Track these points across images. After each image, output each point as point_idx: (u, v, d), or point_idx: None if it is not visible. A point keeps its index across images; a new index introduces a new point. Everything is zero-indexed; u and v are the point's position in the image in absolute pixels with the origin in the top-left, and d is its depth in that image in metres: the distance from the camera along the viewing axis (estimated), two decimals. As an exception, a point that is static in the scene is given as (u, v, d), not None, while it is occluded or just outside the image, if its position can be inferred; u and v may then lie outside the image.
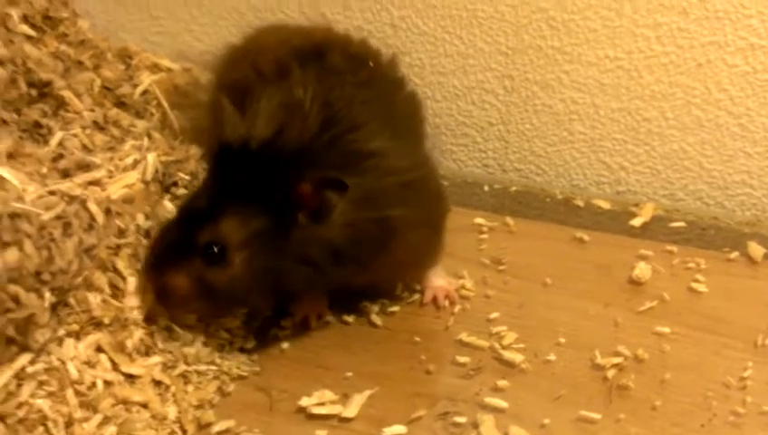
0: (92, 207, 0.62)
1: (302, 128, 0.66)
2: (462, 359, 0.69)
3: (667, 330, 0.72)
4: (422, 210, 0.70)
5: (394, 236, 0.68)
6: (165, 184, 0.75)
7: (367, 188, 0.66)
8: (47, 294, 0.58)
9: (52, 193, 0.63)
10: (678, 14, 0.86)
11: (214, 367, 0.67)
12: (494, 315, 0.74)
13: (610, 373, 0.67)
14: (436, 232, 0.75)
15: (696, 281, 0.78)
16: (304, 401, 0.64)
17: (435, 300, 0.76)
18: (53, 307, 0.59)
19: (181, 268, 0.64)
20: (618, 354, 0.69)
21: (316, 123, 0.66)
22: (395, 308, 0.76)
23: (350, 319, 0.75)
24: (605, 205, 0.93)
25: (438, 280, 0.77)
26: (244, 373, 0.68)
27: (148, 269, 0.66)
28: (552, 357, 0.69)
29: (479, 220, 0.88)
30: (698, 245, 0.85)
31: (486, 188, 0.97)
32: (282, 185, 0.63)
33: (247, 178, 0.64)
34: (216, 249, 0.64)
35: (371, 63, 0.80)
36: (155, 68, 1.01)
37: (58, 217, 0.59)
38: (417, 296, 0.77)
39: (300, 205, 0.64)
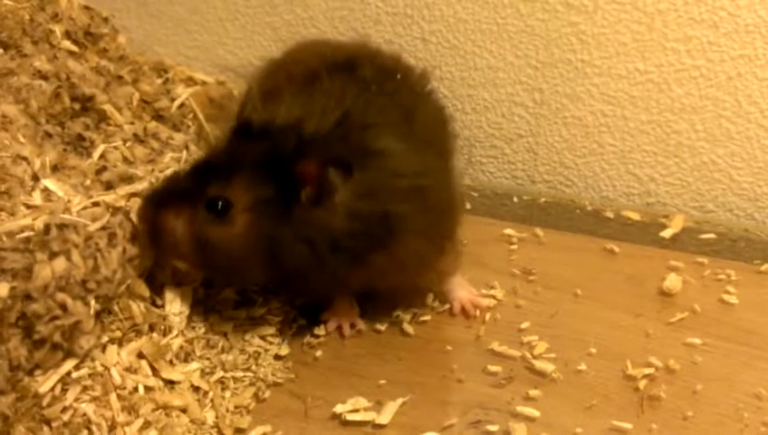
0: (135, 218, 0.64)
1: (318, 122, 0.67)
2: (493, 368, 0.70)
3: (698, 341, 0.72)
4: (428, 217, 0.70)
5: (393, 236, 0.68)
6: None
7: (371, 184, 0.66)
8: (92, 302, 0.60)
9: (96, 204, 0.65)
10: (709, 27, 0.86)
11: (250, 374, 0.69)
12: (524, 325, 0.75)
13: (642, 384, 0.67)
14: (443, 242, 0.74)
15: (727, 293, 0.78)
16: (339, 408, 0.65)
17: (463, 311, 0.77)
18: (98, 315, 0.61)
19: (182, 212, 0.65)
20: (649, 365, 0.69)
21: (332, 119, 0.68)
22: (427, 317, 0.77)
23: (382, 328, 0.76)
24: (635, 216, 0.93)
25: (462, 291, 0.78)
26: (280, 380, 0.69)
27: (146, 205, 0.66)
28: (583, 367, 0.70)
29: (509, 231, 0.89)
30: (729, 256, 0.85)
31: (516, 199, 0.98)
32: (290, 161, 0.65)
33: (261, 152, 0.66)
34: (220, 205, 0.65)
35: (399, 76, 0.81)
36: (190, 81, 1.04)
37: (103, 228, 0.61)
38: (448, 305, 0.78)
39: (303, 182, 0.65)
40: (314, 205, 0.65)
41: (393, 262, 0.69)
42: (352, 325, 0.75)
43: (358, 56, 0.82)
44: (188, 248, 0.66)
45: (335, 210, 0.65)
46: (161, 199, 0.66)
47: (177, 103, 0.94)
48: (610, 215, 0.94)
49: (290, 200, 0.65)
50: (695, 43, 0.87)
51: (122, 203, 0.65)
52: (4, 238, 0.57)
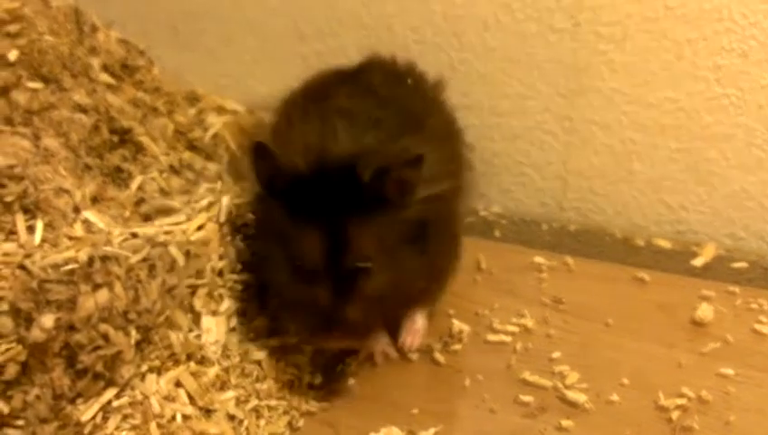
0: (173, 249, 0.65)
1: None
2: (525, 398, 0.70)
3: (731, 372, 0.72)
4: (441, 227, 0.72)
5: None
6: (236, 225, 0.79)
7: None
8: (133, 332, 0.61)
9: (135, 235, 0.66)
10: (738, 56, 0.86)
11: (284, 402, 0.70)
12: (556, 355, 0.75)
13: (674, 415, 0.67)
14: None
15: (760, 322, 0.78)
16: (372, 438, 0.66)
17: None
18: (138, 344, 0.63)
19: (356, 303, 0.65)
20: (681, 396, 0.69)
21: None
22: (457, 347, 0.77)
23: (413, 356, 0.76)
24: (665, 244, 0.93)
25: (420, 322, 0.77)
26: (313, 409, 0.70)
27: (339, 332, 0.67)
28: (616, 398, 0.70)
29: (538, 259, 0.89)
30: (761, 285, 0.84)
31: (545, 226, 0.98)
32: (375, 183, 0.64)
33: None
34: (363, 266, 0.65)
35: (410, 81, 0.82)
36: (221, 110, 1.05)
37: (144, 260, 0.62)
38: (478, 335, 0.78)
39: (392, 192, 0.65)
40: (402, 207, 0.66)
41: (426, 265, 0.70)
42: (384, 354, 0.76)
43: (368, 64, 0.85)
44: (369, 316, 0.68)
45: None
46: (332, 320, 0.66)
47: (210, 133, 0.95)
48: (641, 243, 0.94)
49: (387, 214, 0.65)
50: (725, 72, 0.87)
51: (162, 236, 0.66)
52: (50, 270, 0.59)
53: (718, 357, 0.74)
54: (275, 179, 0.66)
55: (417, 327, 0.77)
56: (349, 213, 0.64)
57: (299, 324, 0.71)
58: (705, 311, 0.79)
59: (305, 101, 0.80)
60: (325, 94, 0.78)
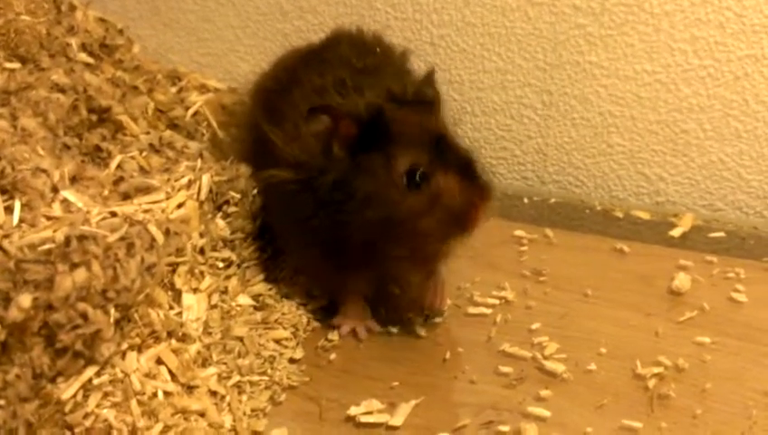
0: (152, 228, 0.66)
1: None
2: (505, 369, 0.71)
3: (707, 340, 0.73)
4: None
5: None
6: (217, 203, 0.79)
7: None
8: (112, 311, 0.61)
9: (114, 214, 0.66)
10: (715, 28, 0.87)
11: (266, 377, 0.70)
12: (535, 326, 0.76)
13: (651, 383, 0.68)
14: None
15: (736, 291, 0.79)
16: (353, 411, 0.66)
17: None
18: (117, 323, 0.63)
19: None
20: (658, 364, 0.70)
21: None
22: (438, 319, 0.78)
23: (394, 330, 0.77)
24: (644, 216, 0.94)
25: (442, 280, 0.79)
26: (295, 383, 0.71)
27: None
28: (594, 367, 0.71)
29: (519, 232, 0.90)
30: (738, 254, 0.85)
31: (526, 200, 0.99)
32: None
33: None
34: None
35: (378, 50, 0.83)
36: (203, 89, 1.05)
37: (122, 239, 0.63)
38: (459, 308, 0.79)
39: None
40: None
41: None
42: (367, 329, 0.77)
43: (334, 38, 0.86)
44: None
45: None
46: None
47: (191, 112, 0.95)
48: (620, 214, 0.95)
49: None
50: (702, 44, 0.88)
51: (140, 214, 0.66)
52: (26, 250, 0.59)
53: (695, 326, 0.75)
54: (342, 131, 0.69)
55: (441, 287, 0.78)
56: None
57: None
58: (682, 280, 0.80)
59: (283, 89, 0.80)
60: (300, 77, 0.78)
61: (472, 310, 0.79)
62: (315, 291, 0.80)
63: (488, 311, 0.79)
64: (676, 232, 0.90)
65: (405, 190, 0.67)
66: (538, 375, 0.70)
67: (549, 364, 0.71)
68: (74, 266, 0.59)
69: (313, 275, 0.79)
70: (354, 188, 0.68)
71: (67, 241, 0.60)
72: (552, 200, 0.98)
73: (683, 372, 0.70)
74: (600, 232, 0.91)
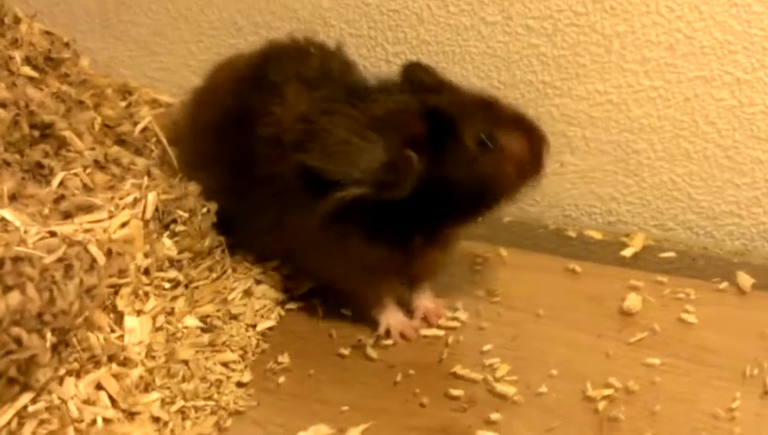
0: (93, 248, 0.64)
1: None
2: (455, 392, 0.70)
3: (657, 361, 0.73)
4: None
5: None
6: (164, 222, 0.77)
7: None
8: (49, 335, 0.59)
9: (53, 234, 0.64)
10: (666, 49, 0.88)
11: (212, 402, 0.68)
12: (487, 347, 0.75)
13: (601, 405, 0.68)
14: None
15: (686, 311, 0.79)
16: (300, 436, 0.65)
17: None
18: (55, 347, 0.61)
19: None
20: (609, 386, 0.70)
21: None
22: (389, 341, 0.77)
23: (345, 352, 0.76)
24: (597, 235, 0.94)
25: (426, 299, 0.81)
26: (242, 408, 0.69)
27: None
28: (544, 389, 0.70)
29: (474, 251, 0.90)
30: (688, 274, 0.86)
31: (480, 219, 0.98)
32: None
33: None
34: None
35: (312, 50, 0.84)
36: (154, 103, 1.04)
37: (60, 260, 0.61)
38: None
39: None
40: None
41: None
42: (413, 328, 0.78)
43: (269, 50, 0.86)
44: None
45: None
46: None
47: (139, 127, 0.93)
48: (573, 234, 0.95)
49: None
50: (652, 65, 0.89)
51: (80, 235, 0.64)
52: (-42, 273, 0.57)
53: (645, 346, 0.75)
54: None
55: (432, 299, 0.81)
56: None
57: None
58: (633, 301, 0.80)
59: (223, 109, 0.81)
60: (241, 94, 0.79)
61: (425, 331, 0.78)
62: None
63: (441, 332, 0.78)
64: (627, 252, 0.90)
65: (482, 158, 0.71)
66: (488, 398, 0.70)
67: (500, 387, 0.70)
68: (8, 289, 0.57)
69: (359, 285, 0.78)
70: (441, 182, 0.71)
71: (0, 263, 0.58)
72: (507, 219, 0.98)
73: (633, 394, 0.69)
74: (553, 251, 0.91)
